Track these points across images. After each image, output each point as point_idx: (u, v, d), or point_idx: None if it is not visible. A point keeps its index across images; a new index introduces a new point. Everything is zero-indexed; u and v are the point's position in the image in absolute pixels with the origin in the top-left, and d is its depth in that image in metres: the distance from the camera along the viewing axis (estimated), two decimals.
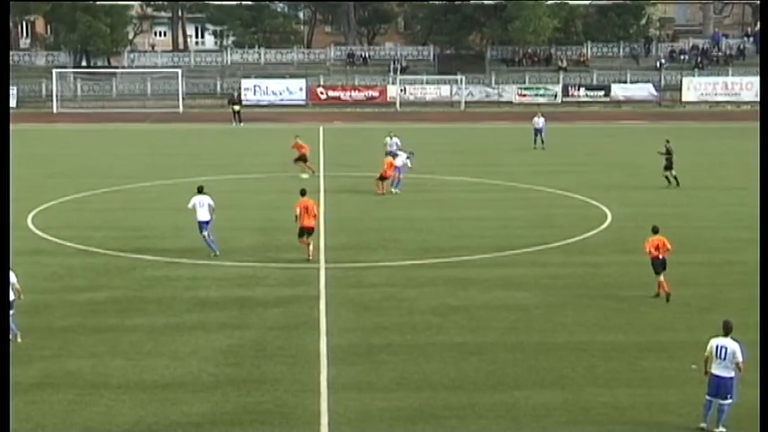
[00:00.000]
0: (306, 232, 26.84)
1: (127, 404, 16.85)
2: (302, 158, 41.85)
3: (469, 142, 55.17)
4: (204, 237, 26.97)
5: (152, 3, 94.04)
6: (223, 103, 73.32)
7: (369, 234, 30.54)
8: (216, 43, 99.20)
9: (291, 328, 21.01)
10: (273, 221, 31.40)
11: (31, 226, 31.00)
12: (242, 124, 65.06)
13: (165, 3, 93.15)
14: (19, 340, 19.70)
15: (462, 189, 39.33)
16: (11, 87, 77.29)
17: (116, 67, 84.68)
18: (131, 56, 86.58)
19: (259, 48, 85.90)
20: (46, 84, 77.88)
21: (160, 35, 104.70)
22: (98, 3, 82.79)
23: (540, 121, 51.06)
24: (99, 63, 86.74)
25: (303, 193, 27.68)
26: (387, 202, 35.95)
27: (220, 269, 25.95)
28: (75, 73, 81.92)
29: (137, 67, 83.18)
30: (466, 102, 76.23)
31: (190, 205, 27.14)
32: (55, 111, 74.44)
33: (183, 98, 75.82)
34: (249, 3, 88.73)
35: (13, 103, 77.68)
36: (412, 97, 77.67)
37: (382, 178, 37.66)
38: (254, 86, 78.31)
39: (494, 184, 40.02)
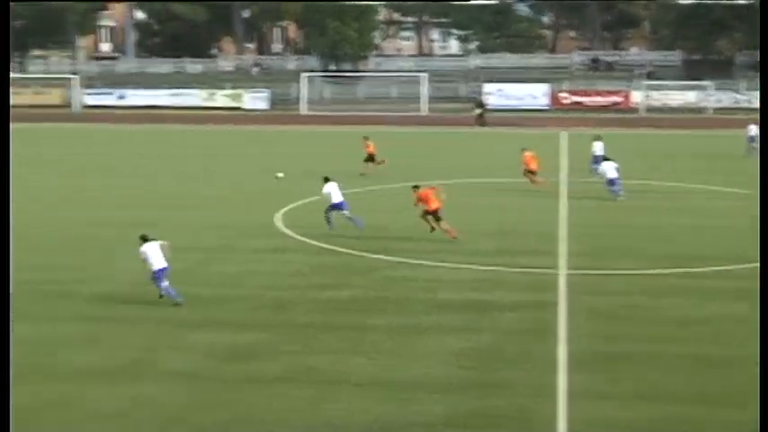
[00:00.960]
0: (434, 214, 28.82)
1: (366, 401, 17.14)
2: (370, 159, 43.14)
3: (715, 149, 53.39)
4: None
5: (396, 2, 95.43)
6: (466, 107, 73.83)
7: (611, 241, 29.99)
8: (460, 48, 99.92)
9: (528, 333, 20.87)
10: (512, 225, 31.31)
11: (279, 224, 32.11)
12: (485, 128, 65.29)
13: (410, 4, 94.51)
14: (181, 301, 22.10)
15: (708, 197, 38.10)
16: (264, 90, 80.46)
17: (362, 71, 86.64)
18: (377, 60, 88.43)
19: (503, 52, 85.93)
20: (296, 87, 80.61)
21: (406, 40, 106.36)
22: (347, 3, 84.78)
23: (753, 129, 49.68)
24: (346, 67, 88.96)
25: (416, 187, 29.87)
26: (630, 209, 35.22)
27: (458, 272, 26.08)
28: (323, 76, 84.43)
29: (382, 71, 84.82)
30: (714, 108, 73.76)
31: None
32: (303, 113, 76.93)
33: (426, 102, 76.78)
34: (492, 3, 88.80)
35: (265, 105, 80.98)
36: (657, 103, 75.87)
37: (531, 172, 38.51)
38: (497, 91, 78.41)
39: (742, 193, 38.55)
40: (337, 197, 31.04)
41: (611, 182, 36.50)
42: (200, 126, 69.10)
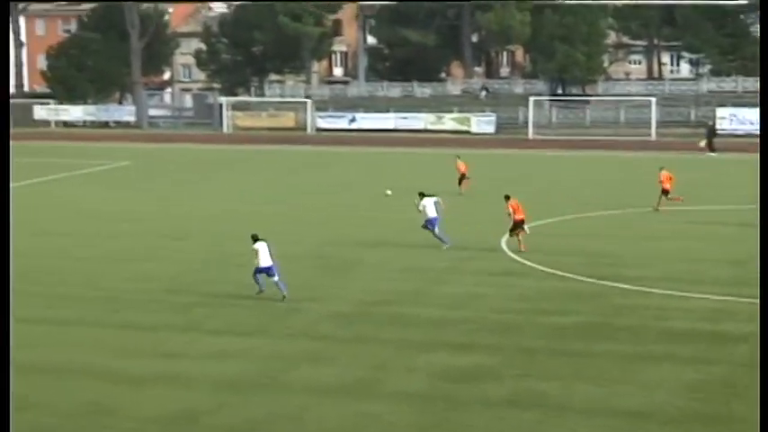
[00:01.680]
0: (519, 225, 31.44)
1: (591, 428, 16.99)
2: (461, 179, 44.76)
3: None
4: None
5: (623, 24, 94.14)
6: (697, 132, 71.90)
7: None
8: (691, 71, 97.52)
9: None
10: (746, 254, 30.30)
11: (505, 248, 32.19)
12: (715, 154, 63.45)
13: (640, 26, 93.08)
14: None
15: None
16: (491, 114, 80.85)
17: (590, 95, 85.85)
18: (606, 84, 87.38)
19: (736, 76, 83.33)
20: (523, 111, 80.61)
21: (635, 63, 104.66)
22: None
23: None
24: (574, 91, 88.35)
25: (507, 197, 32.13)
26: None
27: (690, 301, 25.47)
28: (550, 100, 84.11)
29: (611, 96, 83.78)
30: None
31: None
32: (530, 137, 76.82)
33: (655, 126, 75.28)
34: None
35: (492, 129, 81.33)
36: None
37: (665, 192, 39.63)
38: (730, 116, 76.03)
39: None
40: (432, 212, 32.29)
41: None
42: (427, 149, 70.07)
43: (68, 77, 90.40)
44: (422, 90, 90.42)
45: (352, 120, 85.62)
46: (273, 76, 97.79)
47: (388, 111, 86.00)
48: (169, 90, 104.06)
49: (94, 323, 23.85)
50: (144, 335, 22.71)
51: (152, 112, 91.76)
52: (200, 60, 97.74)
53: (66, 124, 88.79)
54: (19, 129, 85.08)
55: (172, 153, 68.42)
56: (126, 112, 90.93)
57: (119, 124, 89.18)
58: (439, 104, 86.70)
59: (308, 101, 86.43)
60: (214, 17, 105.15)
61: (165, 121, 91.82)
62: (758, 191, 31.67)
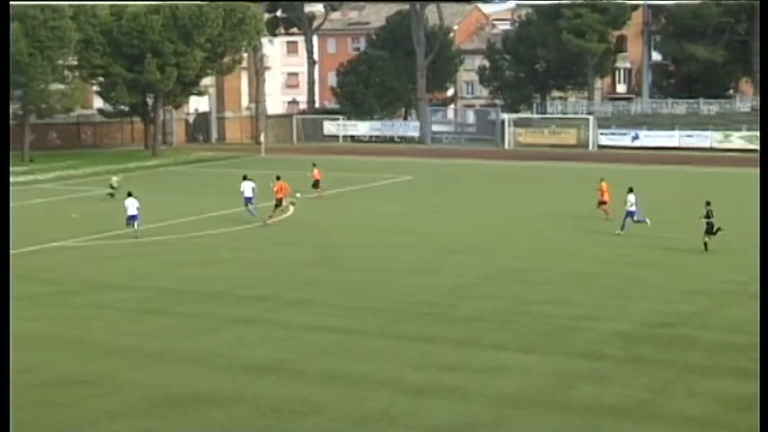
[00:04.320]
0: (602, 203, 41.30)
1: None
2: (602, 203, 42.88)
3: None
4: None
5: None
6: None
7: None
8: None
9: None
10: None
11: None
12: None
13: None
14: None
15: None
16: None
17: None
18: None
19: None
20: None
21: None
22: None
23: None
24: None
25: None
26: None
27: None
28: None
29: None
30: None
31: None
32: None
33: None
34: None
35: None
36: None
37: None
38: None
39: None
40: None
41: None
42: (714, 168, 67.90)
43: (356, 94, 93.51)
44: (708, 107, 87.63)
45: (635, 137, 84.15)
46: (556, 93, 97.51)
47: (672, 128, 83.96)
48: (452, 106, 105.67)
49: (377, 333, 24.65)
50: (424, 346, 23.26)
51: (435, 127, 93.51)
52: (484, 77, 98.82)
53: (353, 139, 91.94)
54: (310, 143, 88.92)
55: (454, 168, 69.52)
56: (410, 128, 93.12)
57: (403, 139, 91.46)
58: (726, 122, 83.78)
59: (591, 117, 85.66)
60: (498, 34, 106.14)
61: (448, 137, 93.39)
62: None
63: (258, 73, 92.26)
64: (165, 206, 47.39)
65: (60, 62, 71.89)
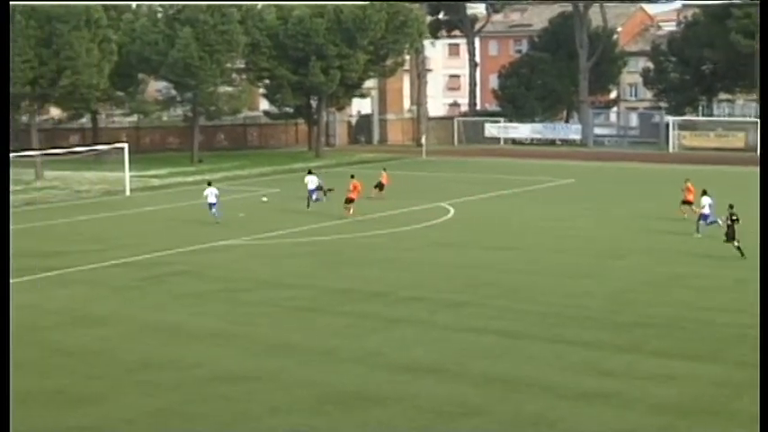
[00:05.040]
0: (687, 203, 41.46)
1: None
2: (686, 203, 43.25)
3: None
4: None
5: None
6: None
7: None
8: None
9: None
10: None
11: None
12: None
13: None
14: None
15: None
16: None
17: None
18: None
19: None
20: None
21: None
22: None
23: None
24: None
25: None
26: None
27: None
28: None
29: None
30: None
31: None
32: None
33: None
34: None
35: None
36: None
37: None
38: None
39: None
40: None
41: None
42: None
43: (518, 96, 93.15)
44: None
45: None
46: (723, 95, 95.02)
47: None
48: (615, 109, 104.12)
49: (537, 336, 24.64)
50: (584, 351, 23.16)
51: (597, 130, 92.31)
52: (648, 79, 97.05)
53: (514, 142, 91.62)
54: (470, 145, 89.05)
55: (616, 171, 68.61)
56: (572, 131, 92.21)
57: (564, 142, 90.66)
58: None
59: (757, 120, 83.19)
60: (663, 35, 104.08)
61: (610, 140, 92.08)
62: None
63: (420, 75, 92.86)
64: (331, 206, 48.28)
65: (228, 65, 73.95)
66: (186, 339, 24.90)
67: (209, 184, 45.96)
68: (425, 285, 30.80)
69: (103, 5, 65.89)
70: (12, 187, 51.91)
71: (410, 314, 27.11)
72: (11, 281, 32.18)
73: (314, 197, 48.72)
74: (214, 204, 44.51)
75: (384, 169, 55.06)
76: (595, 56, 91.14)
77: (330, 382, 21.16)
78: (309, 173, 50.20)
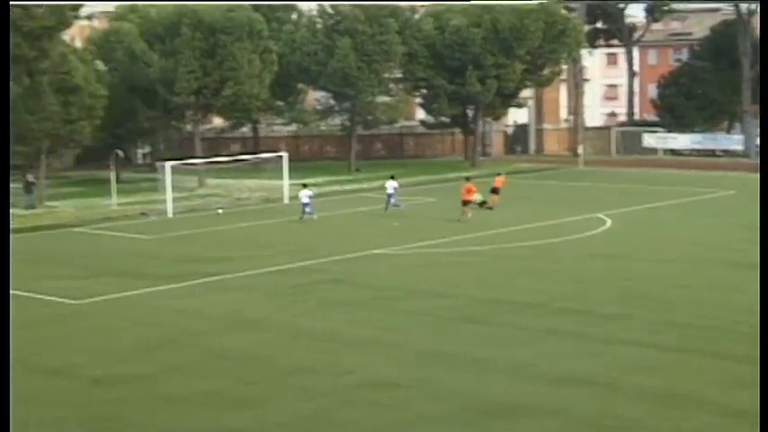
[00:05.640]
0: None
1: None
2: None
3: None
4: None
5: None
6: None
7: None
8: None
9: None
10: None
11: None
12: None
13: None
14: None
15: None
16: None
17: None
18: None
19: None
20: None
21: None
22: None
23: None
24: None
25: None
26: None
27: None
28: None
29: None
30: None
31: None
32: None
33: None
34: None
35: None
36: None
37: None
38: None
39: None
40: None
41: None
42: None
43: (677, 106, 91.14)
44: None
45: None
46: None
47: None
48: None
49: (691, 351, 24.12)
50: (736, 367, 22.53)
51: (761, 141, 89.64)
52: None
53: (672, 152, 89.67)
54: (628, 156, 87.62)
55: None
56: (734, 141, 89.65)
57: (725, 153, 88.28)
58: None
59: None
60: None
61: None
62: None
63: (577, 85, 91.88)
64: (481, 216, 48.22)
65: (386, 75, 74.60)
66: (339, 346, 25.24)
67: (305, 186, 49.73)
68: (579, 297, 30.46)
69: (266, 17, 67.44)
70: (175, 194, 53.78)
71: (563, 326, 26.85)
72: (172, 286, 33.37)
73: (392, 201, 50.92)
74: (307, 204, 48.79)
75: (499, 174, 55.87)
76: (758, 65, 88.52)
77: (481, 391, 21.14)
78: (392, 178, 52.34)
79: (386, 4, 72.74)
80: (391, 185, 51.70)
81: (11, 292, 28.39)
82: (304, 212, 48.71)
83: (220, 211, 53.14)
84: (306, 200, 48.94)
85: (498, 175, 55.34)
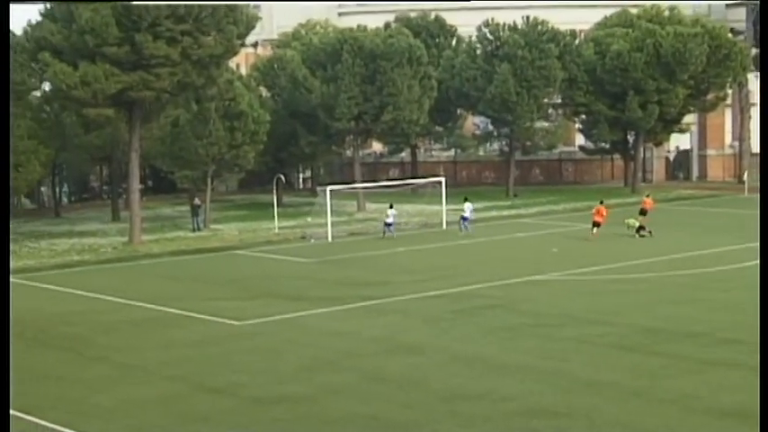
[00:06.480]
0: None
1: None
2: None
3: None
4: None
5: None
6: None
7: None
8: None
9: None
10: None
11: None
12: None
13: None
14: None
15: None
16: None
17: None
18: None
19: None
20: None
21: None
22: None
23: None
24: None
25: None
26: None
27: None
28: None
29: None
30: None
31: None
32: None
33: None
34: None
35: None
36: None
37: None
38: None
39: None
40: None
41: None
42: None
43: None
44: None
45: None
46: None
47: None
48: None
49: None
50: None
51: None
52: None
53: None
54: None
55: None
56: None
57: None
58: None
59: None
60: None
61: None
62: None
63: (743, 110, 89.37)
64: (641, 243, 47.37)
65: (545, 100, 74.19)
66: (497, 372, 25.12)
67: (391, 206, 52.86)
68: (744, 327, 29.49)
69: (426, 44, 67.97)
70: (336, 218, 54.54)
71: (728, 357, 26.09)
72: (331, 308, 33.84)
73: (465, 224, 52.76)
74: (391, 224, 51.78)
75: (647, 195, 57.09)
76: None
77: (643, 423, 20.71)
78: (466, 200, 54.40)
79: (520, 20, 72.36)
80: (468, 208, 53.40)
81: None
82: (386, 231, 51.99)
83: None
84: (390, 219, 52.00)
85: (647, 196, 56.01)
